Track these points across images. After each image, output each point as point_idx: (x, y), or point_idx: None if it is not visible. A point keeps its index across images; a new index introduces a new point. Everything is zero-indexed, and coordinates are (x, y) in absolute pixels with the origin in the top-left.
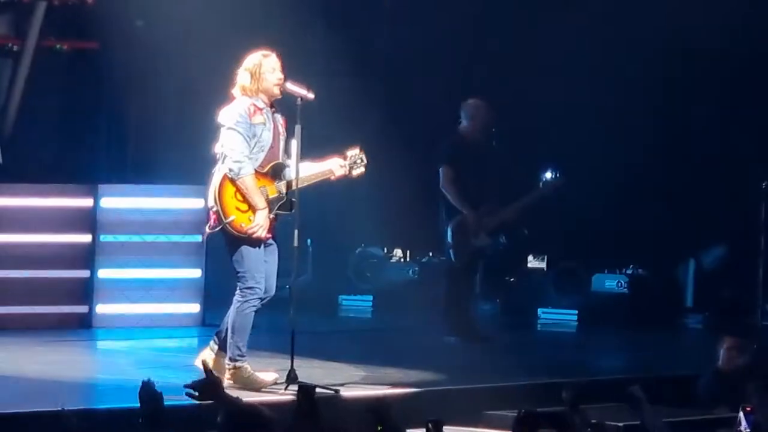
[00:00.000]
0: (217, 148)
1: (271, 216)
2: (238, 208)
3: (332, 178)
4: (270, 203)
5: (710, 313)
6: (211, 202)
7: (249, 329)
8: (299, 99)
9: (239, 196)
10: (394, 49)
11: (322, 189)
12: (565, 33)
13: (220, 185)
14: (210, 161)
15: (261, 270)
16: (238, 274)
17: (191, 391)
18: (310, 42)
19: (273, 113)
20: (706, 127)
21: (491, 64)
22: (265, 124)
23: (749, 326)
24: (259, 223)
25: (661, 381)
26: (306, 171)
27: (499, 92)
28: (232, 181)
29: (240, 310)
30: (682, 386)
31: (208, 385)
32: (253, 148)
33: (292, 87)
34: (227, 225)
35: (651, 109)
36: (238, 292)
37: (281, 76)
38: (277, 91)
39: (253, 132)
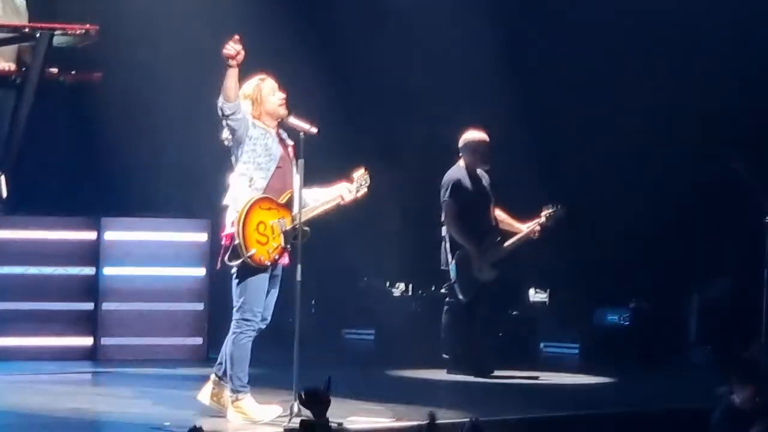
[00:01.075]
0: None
1: (288, 247)
2: (258, 241)
3: (341, 203)
4: (287, 234)
5: (715, 347)
6: (229, 229)
7: (247, 359)
8: (302, 133)
9: (261, 228)
10: (399, 78)
11: (326, 222)
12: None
13: (243, 218)
14: (215, 194)
15: (260, 303)
16: (237, 303)
17: (302, 394)
18: (312, 72)
19: (280, 139)
20: (709, 160)
21: (496, 97)
22: (269, 134)
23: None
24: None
25: (667, 414)
26: (317, 199)
27: (504, 124)
28: (252, 212)
29: (236, 341)
30: (687, 419)
31: (318, 397)
32: (261, 155)
33: (295, 121)
34: (248, 259)
35: (653, 142)
36: (234, 322)
37: (283, 95)
38: (282, 111)
39: (257, 133)
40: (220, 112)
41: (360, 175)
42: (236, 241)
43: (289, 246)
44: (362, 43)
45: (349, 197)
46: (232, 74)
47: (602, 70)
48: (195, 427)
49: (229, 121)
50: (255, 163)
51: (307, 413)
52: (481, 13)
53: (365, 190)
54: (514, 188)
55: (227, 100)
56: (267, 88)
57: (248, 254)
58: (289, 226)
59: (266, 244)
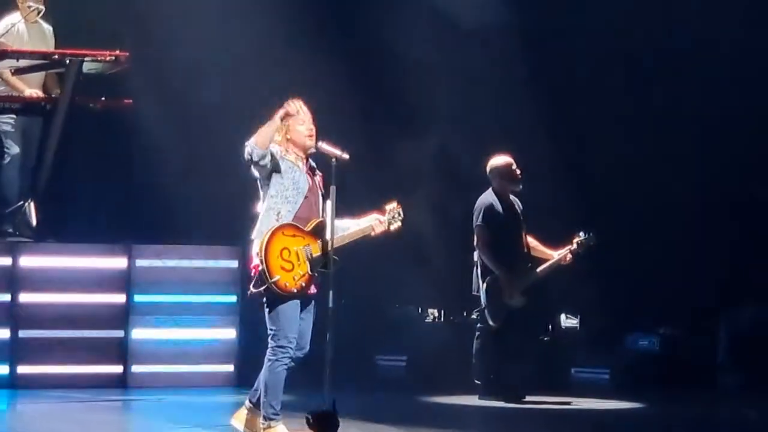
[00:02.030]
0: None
1: (315, 275)
2: (283, 268)
3: (372, 234)
4: (314, 262)
5: (744, 374)
6: (255, 260)
7: (281, 387)
8: (334, 159)
9: (285, 254)
10: (429, 102)
11: (357, 249)
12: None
13: (268, 244)
14: (245, 221)
15: (294, 330)
16: (271, 331)
17: (309, 417)
18: (348, 101)
19: (309, 169)
20: (740, 183)
21: (526, 123)
22: (297, 166)
23: None
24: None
25: None
26: (346, 228)
27: (535, 151)
28: (277, 235)
29: (272, 368)
30: None
31: (327, 418)
32: (288, 188)
33: (327, 147)
34: (273, 285)
35: (684, 170)
36: (269, 350)
37: (312, 127)
38: (310, 142)
39: (286, 166)
40: (247, 157)
41: (392, 208)
42: (260, 267)
43: (316, 274)
44: (392, 67)
45: (379, 229)
46: (275, 126)
47: (634, 95)
48: None
49: (255, 167)
50: (282, 197)
51: None
52: (510, 36)
53: (398, 224)
54: (545, 215)
55: (259, 146)
56: (297, 117)
57: (272, 280)
58: (316, 254)
59: (291, 271)
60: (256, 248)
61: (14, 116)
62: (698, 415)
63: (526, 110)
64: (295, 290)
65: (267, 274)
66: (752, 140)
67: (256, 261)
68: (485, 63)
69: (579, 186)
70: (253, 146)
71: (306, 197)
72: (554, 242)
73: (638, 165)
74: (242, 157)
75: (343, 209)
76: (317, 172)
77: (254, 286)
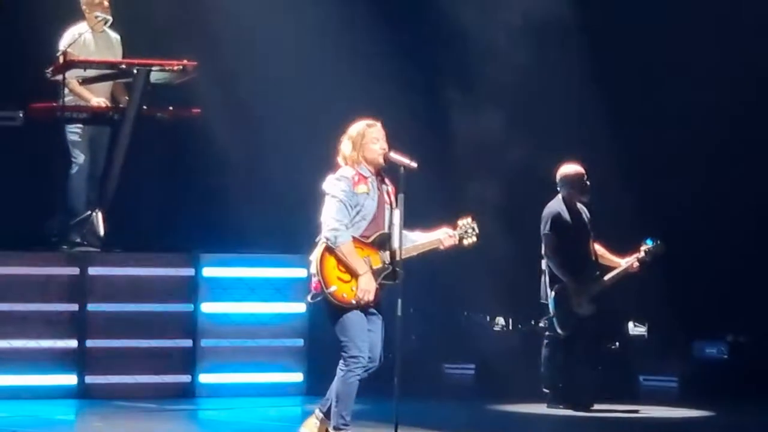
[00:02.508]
0: (321, 217)
1: (377, 285)
2: (340, 278)
3: (441, 247)
4: (374, 273)
5: None
6: (313, 271)
7: (353, 398)
8: (402, 168)
9: (341, 267)
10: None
11: (426, 256)
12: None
13: (322, 255)
14: (311, 229)
15: (364, 339)
16: (341, 343)
17: None
18: (413, 111)
19: (380, 182)
20: None
21: (593, 130)
22: (368, 193)
23: None
24: (364, 288)
25: None
26: (415, 240)
27: (602, 159)
28: (332, 250)
29: (344, 379)
30: None
31: None
32: (354, 217)
33: (396, 157)
34: (329, 295)
35: (751, 175)
36: (341, 361)
37: (385, 146)
38: (381, 160)
39: (356, 201)
40: (327, 238)
41: (466, 222)
42: (316, 277)
43: (377, 285)
44: (457, 78)
45: (448, 243)
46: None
47: (698, 99)
48: None
49: None
50: (350, 222)
51: None
52: (576, 43)
53: (474, 239)
54: (613, 222)
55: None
56: (371, 135)
57: (329, 290)
58: (376, 265)
59: (349, 282)
60: (313, 268)
61: (82, 126)
62: (766, 423)
63: (594, 116)
64: (354, 301)
65: (324, 284)
66: None
67: (312, 272)
68: (555, 69)
69: (646, 192)
70: (333, 243)
71: (374, 218)
72: (622, 250)
73: (706, 169)
74: (323, 225)
75: (414, 221)
76: (387, 183)
77: (312, 298)
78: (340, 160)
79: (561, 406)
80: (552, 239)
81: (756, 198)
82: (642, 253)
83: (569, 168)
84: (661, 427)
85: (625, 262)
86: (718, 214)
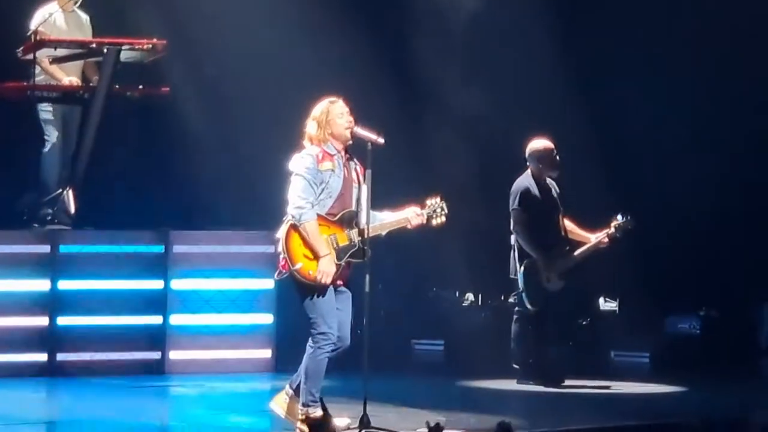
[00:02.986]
0: (287, 195)
1: (342, 263)
2: (305, 255)
3: (409, 226)
4: (340, 251)
5: None
6: (279, 249)
7: (322, 375)
8: (369, 144)
9: (306, 244)
10: (465, 88)
11: (394, 234)
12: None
13: (288, 233)
14: (280, 207)
15: (333, 316)
16: (310, 320)
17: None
18: (380, 88)
19: (347, 160)
20: None
21: (562, 106)
22: (333, 170)
23: None
24: (322, 270)
25: (738, 423)
26: (382, 219)
27: (572, 133)
28: (297, 228)
29: (313, 356)
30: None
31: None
32: (320, 194)
33: (362, 132)
34: (295, 272)
35: (721, 150)
36: (311, 338)
37: (351, 119)
38: (348, 135)
39: (321, 178)
40: (293, 215)
41: (434, 202)
42: (282, 255)
43: (343, 263)
44: (427, 57)
45: (416, 222)
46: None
47: (669, 76)
48: None
49: None
50: (316, 200)
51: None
52: (544, 21)
53: (442, 219)
54: (583, 198)
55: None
56: (336, 110)
57: (295, 267)
58: (342, 243)
59: (314, 260)
60: (279, 245)
61: (53, 105)
62: (739, 398)
63: (563, 92)
64: (317, 277)
65: (290, 261)
66: None
67: (279, 249)
68: (522, 44)
69: (617, 168)
70: (298, 220)
71: (340, 195)
72: (592, 225)
73: (678, 146)
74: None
75: (381, 200)
76: (355, 161)
77: (278, 275)
78: (306, 142)
79: (531, 382)
80: (520, 214)
81: (727, 172)
82: (612, 229)
83: (538, 143)
84: (632, 403)
85: (595, 238)
86: (690, 188)
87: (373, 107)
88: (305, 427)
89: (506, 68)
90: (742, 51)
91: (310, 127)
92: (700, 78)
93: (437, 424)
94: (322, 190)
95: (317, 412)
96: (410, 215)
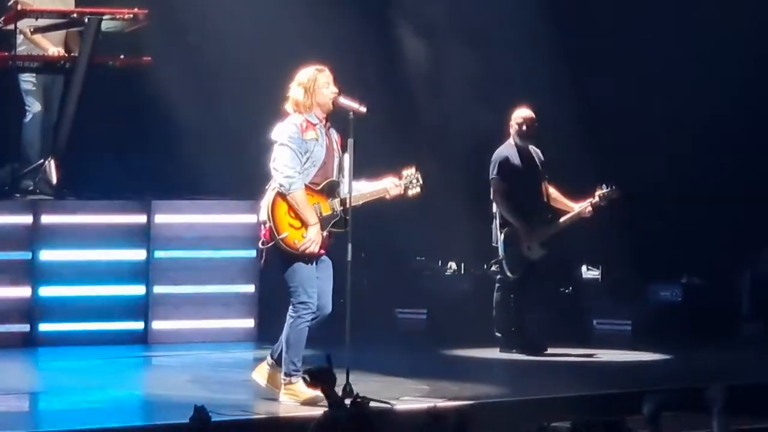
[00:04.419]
0: (270, 165)
1: (325, 233)
2: (291, 225)
3: (387, 197)
4: (324, 220)
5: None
6: (264, 218)
7: (303, 344)
8: (351, 113)
9: (292, 213)
10: (449, 58)
11: (376, 202)
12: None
13: (273, 202)
14: (263, 176)
15: (313, 285)
16: (290, 289)
17: (306, 376)
18: (362, 58)
19: (327, 129)
20: (763, 132)
21: (544, 72)
22: (317, 139)
23: None
24: (311, 239)
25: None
26: (361, 190)
27: (557, 102)
28: (284, 197)
29: (293, 325)
30: (742, 394)
31: (323, 373)
32: (304, 164)
33: (345, 101)
34: (280, 241)
35: (704, 117)
36: (291, 307)
37: (336, 89)
38: (332, 104)
39: (305, 148)
40: (281, 184)
41: (410, 173)
42: (267, 224)
43: (326, 233)
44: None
45: (394, 192)
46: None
47: (652, 45)
48: (197, 406)
49: None
50: (302, 170)
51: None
52: None
53: (417, 190)
54: (567, 166)
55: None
56: (322, 79)
57: (280, 236)
58: (326, 212)
59: (299, 229)
60: (263, 214)
61: (35, 75)
62: (722, 364)
63: (550, 63)
64: (303, 246)
65: (275, 230)
66: None
67: (263, 219)
68: (504, 17)
69: (601, 137)
70: (287, 190)
71: (323, 165)
72: (576, 194)
73: (661, 115)
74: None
75: (361, 170)
76: (335, 135)
77: (263, 244)
78: (289, 107)
79: (514, 351)
80: (499, 183)
81: (708, 140)
82: (596, 198)
83: (518, 111)
84: (615, 371)
85: (578, 207)
86: (672, 157)
87: (356, 75)
88: (290, 396)
89: (492, 38)
90: (728, 21)
91: (297, 92)
92: (685, 46)
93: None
94: (307, 159)
95: (300, 382)
96: (389, 186)
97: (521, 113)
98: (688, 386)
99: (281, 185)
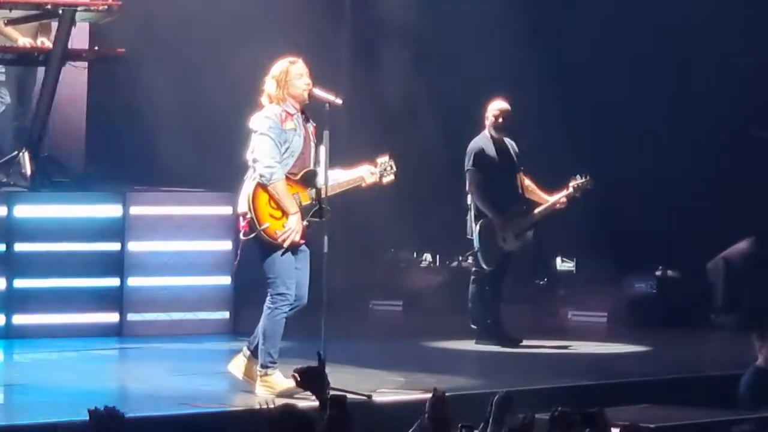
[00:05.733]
0: (249, 155)
1: (305, 223)
2: (272, 215)
3: (363, 185)
4: (303, 210)
5: (741, 313)
6: (244, 209)
7: (280, 335)
8: (327, 105)
9: (273, 204)
10: (424, 47)
11: (352, 194)
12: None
13: (254, 192)
14: (239, 167)
15: (292, 276)
16: (269, 280)
17: (296, 375)
18: (335, 47)
19: (304, 120)
20: (735, 126)
21: (519, 63)
22: (296, 129)
23: None
24: (292, 228)
25: (696, 380)
26: (337, 179)
27: (534, 94)
28: (264, 187)
29: (271, 316)
30: (716, 385)
31: (313, 374)
32: (283, 154)
33: (320, 93)
34: (261, 232)
35: (678, 110)
36: (268, 298)
37: (309, 81)
38: (306, 96)
39: (284, 138)
40: (261, 175)
41: (384, 161)
42: (248, 215)
43: (306, 222)
44: (393, 16)
45: (370, 180)
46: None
47: (628, 39)
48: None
49: None
50: (281, 160)
51: (336, 385)
52: None
53: (391, 177)
54: (543, 157)
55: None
56: (295, 71)
57: (262, 227)
58: (305, 202)
59: (280, 219)
60: (243, 206)
61: (7, 67)
62: (696, 356)
63: (525, 55)
64: (284, 236)
65: (256, 221)
66: (756, 81)
67: (243, 210)
68: (482, 8)
69: (576, 128)
70: (268, 180)
71: (300, 155)
72: (551, 185)
73: (636, 107)
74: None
75: (336, 158)
76: (311, 121)
77: (244, 235)
78: (264, 100)
79: (489, 342)
80: (474, 175)
81: (682, 132)
82: (571, 189)
83: (493, 103)
84: (590, 362)
85: (553, 198)
86: (647, 149)
87: (331, 66)
88: (266, 387)
89: (467, 30)
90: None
91: (269, 85)
92: (662, 42)
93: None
94: (286, 149)
95: (276, 373)
96: (365, 174)
97: (497, 105)
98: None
99: (262, 176)
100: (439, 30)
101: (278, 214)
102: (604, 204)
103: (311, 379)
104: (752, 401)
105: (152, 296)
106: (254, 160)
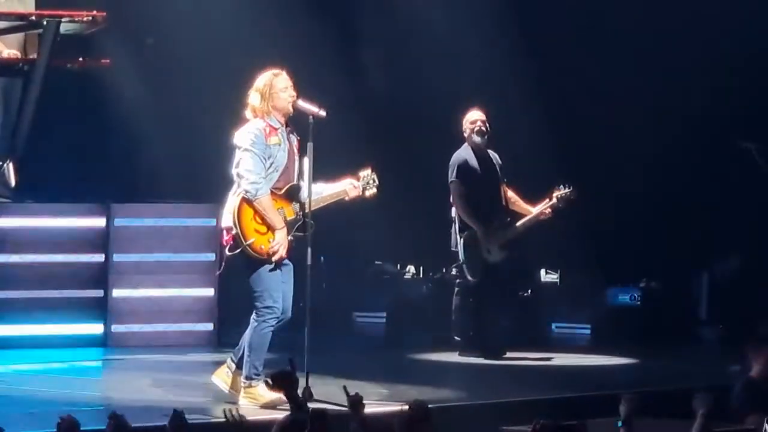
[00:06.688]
0: (233, 170)
1: (290, 238)
2: (257, 231)
3: (346, 198)
4: (288, 225)
5: (727, 325)
6: (228, 223)
7: (266, 348)
8: (311, 117)
9: (258, 219)
10: (411, 62)
11: (336, 206)
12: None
13: (239, 207)
14: (222, 179)
15: (278, 289)
16: (255, 294)
17: (267, 380)
18: (319, 60)
19: (288, 133)
20: (719, 139)
21: (503, 75)
22: (280, 144)
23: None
24: (279, 242)
25: (679, 393)
26: (320, 192)
27: (517, 105)
28: (250, 202)
29: (258, 329)
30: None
31: (285, 377)
32: (268, 169)
33: (304, 105)
34: (247, 248)
35: (662, 122)
36: (255, 312)
37: (294, 93)
38: (290, 108)
39: (269, 153)
40: (246, 191)
41: (367, 174)
42: (233, 231)
43: (291, 237)
44: (375, 30)
45: (353, 194)
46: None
47: (614, 50)
48: (176, 411)
49: None
50: (266, 175)
51: (320, 397)
52: None
53: (374, 190)
54: (526, 169)
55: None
56: (279, 84)
57: (247, 242)
58: (290, 217)
59: (265, 234)
60: (228, 220)
61: None
62: (680, 368)
63: (507, 65)
64: (272, 251)
65: (241, 236)
66: (741, 94)
67: (228, 225)
68: (465, 17)
69: (560, 140)
70: (254, 196)
71: (285, 169)
72: (535, 196)
73: (620, 119)
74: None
75: (318, 172)
76: (295, 134)
77: (229, 250)
78: (248, 113)
79: (472, 354)
80: (458, 187)
81: (668, 143)
82: (554, 199)
83: (469, 114)
84: (574, 374)
85: (536, 209)
86: (631, 159)
87: (316, 78)
88: (250, 399)
89: (455, 34)
90: (696, 25)
91: (253, 98)
92: (645, 52)
93: (356, 394)
94: (270, 164)
95: (260, 385)
96: (347, 187)
97: (473, 115)
98: (669, 389)
99: (247, 191)
100: (422, 41)
101: (263, 229)
102: (587, 216)
103: (282, 380)
104: (742, 412)
105: (136, 307)
106: (239, 176)
